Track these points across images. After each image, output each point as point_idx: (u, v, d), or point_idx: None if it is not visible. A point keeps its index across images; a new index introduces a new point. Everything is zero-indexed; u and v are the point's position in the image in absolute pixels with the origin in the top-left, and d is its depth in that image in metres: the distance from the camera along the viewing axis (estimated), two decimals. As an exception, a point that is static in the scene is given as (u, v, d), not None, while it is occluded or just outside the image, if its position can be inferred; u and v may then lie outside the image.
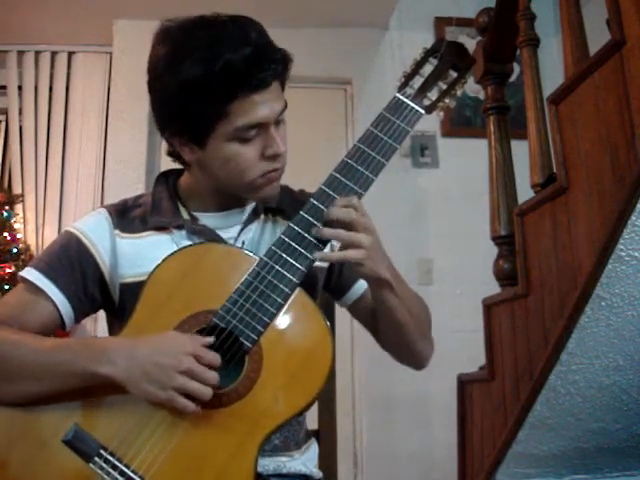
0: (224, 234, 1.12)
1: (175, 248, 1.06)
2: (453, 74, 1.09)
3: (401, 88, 1.07)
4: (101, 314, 1.17)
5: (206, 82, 0.98)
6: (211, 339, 0.93)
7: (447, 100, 1.08)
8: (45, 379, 0.94)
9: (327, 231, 0.97)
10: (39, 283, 1.05)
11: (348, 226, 0.97)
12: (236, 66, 0.97)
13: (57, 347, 0.97)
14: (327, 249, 1.01)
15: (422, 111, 1.05)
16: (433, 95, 1.07)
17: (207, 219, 1.13)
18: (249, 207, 1.16)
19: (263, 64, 1.00)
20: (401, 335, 1.11)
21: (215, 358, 0.92)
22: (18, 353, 0.96)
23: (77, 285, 1.07)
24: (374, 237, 0.99)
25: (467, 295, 2.12)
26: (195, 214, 1.14)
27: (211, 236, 1.10)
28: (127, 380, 0.90)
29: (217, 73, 0.97)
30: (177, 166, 1.20)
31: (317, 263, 1.15)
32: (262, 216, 1.16)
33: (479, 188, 2.35)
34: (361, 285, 1.19)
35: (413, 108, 1.05)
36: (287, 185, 1.23)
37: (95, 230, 1.11)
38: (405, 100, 1.05)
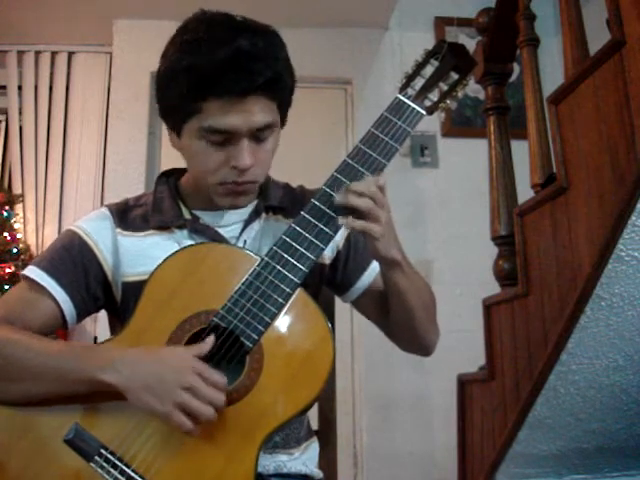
0: (226, 233, 1.12)
1: (177, 247, 1.06)
2: (454, 76, 1.09)
3: (402, 89, 1.06)
4: (101, 314, 1.17)
5: (183, 76, 0.99)
6: (209, 344, 0.93)
7: (448, 101, 1.09)
8: (48, 382, 0.94)
9: (352, 198, 0.97)
10: (41, 281, 1.05)
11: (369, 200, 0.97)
12: (202, 69, 0.96)
13: (63, 352, 0.97)
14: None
15: (423, 112, 1.05)
16: (434, 96, 1.07)
17: (208, 217, 1.13)
18: (250, 206, 1.16)
19: (239, 73, 0.96)
20: (411, 319, 1.11)
21: (221, 379, 0.91)
22: (24, 355, 0.96)
23: (79, 283, 1.07)
24: (389, 216, 1.01)
25: (467, 295, 2.12)
26: (196, 213, 1.14)
27: (213, 235, 1.10)
28: (127, 389, 0.90)
29: (190, 68, 0.97)
30: (175, 165, 1.21)
31: (325, 260, 1.16)
32: (264, 215, 1.16)
33: (479, 188, 2.35)
34: (367, 278, 1.19)
35: (414, 109, 1.05)
36: (287, 183, 1.24)
37: (97, 229, 1.11)
38: (406, 101, 1.05)
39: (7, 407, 0.95)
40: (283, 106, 1.07)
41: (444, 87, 1.08)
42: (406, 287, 1.07)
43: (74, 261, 1.08)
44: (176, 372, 0.90)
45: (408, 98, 1.05)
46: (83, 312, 1.09)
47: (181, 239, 1.10)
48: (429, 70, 1.08)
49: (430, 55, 1.09)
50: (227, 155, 1.02)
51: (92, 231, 1.10)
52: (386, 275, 1.08)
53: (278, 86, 1.01)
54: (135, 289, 1.03)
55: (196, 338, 0.96)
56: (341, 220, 0.98)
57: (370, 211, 0.97)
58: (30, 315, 1.04)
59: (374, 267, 1.18)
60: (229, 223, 1.14)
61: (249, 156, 1.02)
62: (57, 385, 0.94)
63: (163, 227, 1.11)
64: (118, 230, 1.11)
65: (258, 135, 1.03)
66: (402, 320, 1.13)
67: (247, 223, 1.13)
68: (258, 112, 1.00)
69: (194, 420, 0.89)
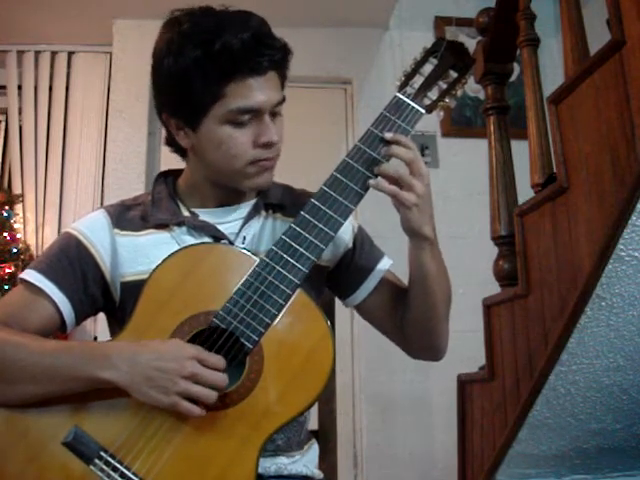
0: (225, 230, 1.11)
1: (176, 245, 1.06)
2: (453, 74, 1.08)
3: (401, 87, 1.05)
4: (101, 315, 1.17)
5: (204, 63, 1.00)
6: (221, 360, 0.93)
7: (447, 100, 1.07)
8: (46, 382, 0.94)
9: (386, 166, 0.98)
10: (39, 283, 1.05)
11: (407, 166, 0.98)
12: (234, 48, 1.00)
13: (59, 350, 0.97)
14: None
15: (422, 110, 1.04)
16: (433, 94, 1.06)
17: (207, 215, 1.13)
18: (250, 203, 1.16)
19: (261, 49, 1.02)
20: (430, 309, 1.08)
21: (219, 361, 0.92)
22: (19, 356, 0.96)
23: (77, 285, 1.07)
24: (427, 190, 1.00)
25: (467, 295, 2.11)
26: (195, 211, 1.14)
27: (212, 232, 1.10)
28: (130, 385, 0.90)
29: (215, 54, 0.99)
30: (175, 165, 1.20)
31: (324, 262, 1.15)
32: (263, 212, 1.16)
33: (479, 188, 2.35)
34: (373, 280, 1.17)
35: (413, 107, 1.03)
36: (289, 184, 1.23)
37: (94, 230, 1.10)
38: (405, 99, 1.04)
39: (5, 409, 0.95)
40: (284, 83, 1.11)
41: (443, 85, 1.07)
42: (432, 270, 1.05)
43: (72, 263, 1.07)
44: (174, 361, 0.90)
45: (407, 97, 1.04)
46: (81, 314, 1.09)
47: (180, 236, 1.09)
48: (428, 68, 1.07)
49: (429, 53, 1.08)
50: (252, 134, 1.05)
51: (89, 233, 1.10)
52: (414, 253, 1.06)
53: (286, 62, 1.08)
54: (134, 289, 1.03)
55: (196, 339, 0.95)
56: (372, 181, 0.98)
57: (403, 177, 0.97)
58: (28, 318, 1.03)
59: (381, 268, 1.17)
60: (228, 220, 1.13)
61: (276, 131, 1.06)
62: (54, 385, 0.94)
63: (162, 225, 1.11)
64: (116, 230, 1.10)
65: (276, 111, 1.07)
66: (420, 312, 1.09)
67: (246, 220, 1.13)
68: (274, 88, 1.06)
69: (199, 404, 0.89)
